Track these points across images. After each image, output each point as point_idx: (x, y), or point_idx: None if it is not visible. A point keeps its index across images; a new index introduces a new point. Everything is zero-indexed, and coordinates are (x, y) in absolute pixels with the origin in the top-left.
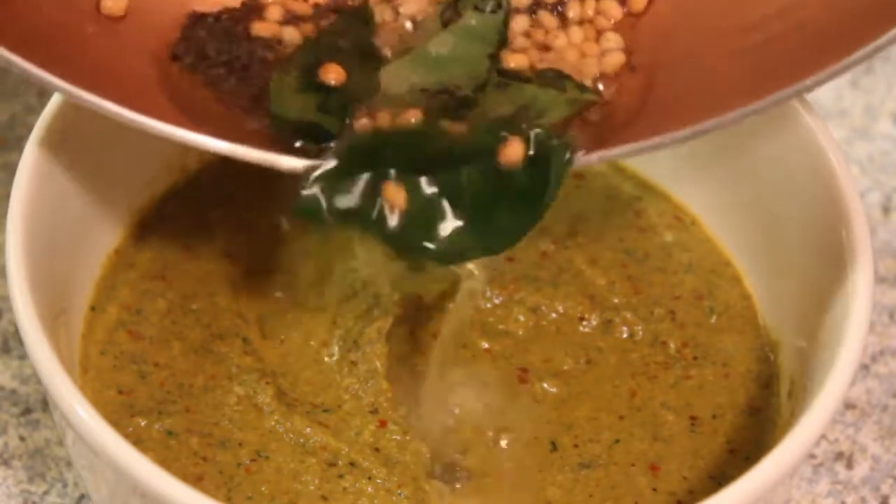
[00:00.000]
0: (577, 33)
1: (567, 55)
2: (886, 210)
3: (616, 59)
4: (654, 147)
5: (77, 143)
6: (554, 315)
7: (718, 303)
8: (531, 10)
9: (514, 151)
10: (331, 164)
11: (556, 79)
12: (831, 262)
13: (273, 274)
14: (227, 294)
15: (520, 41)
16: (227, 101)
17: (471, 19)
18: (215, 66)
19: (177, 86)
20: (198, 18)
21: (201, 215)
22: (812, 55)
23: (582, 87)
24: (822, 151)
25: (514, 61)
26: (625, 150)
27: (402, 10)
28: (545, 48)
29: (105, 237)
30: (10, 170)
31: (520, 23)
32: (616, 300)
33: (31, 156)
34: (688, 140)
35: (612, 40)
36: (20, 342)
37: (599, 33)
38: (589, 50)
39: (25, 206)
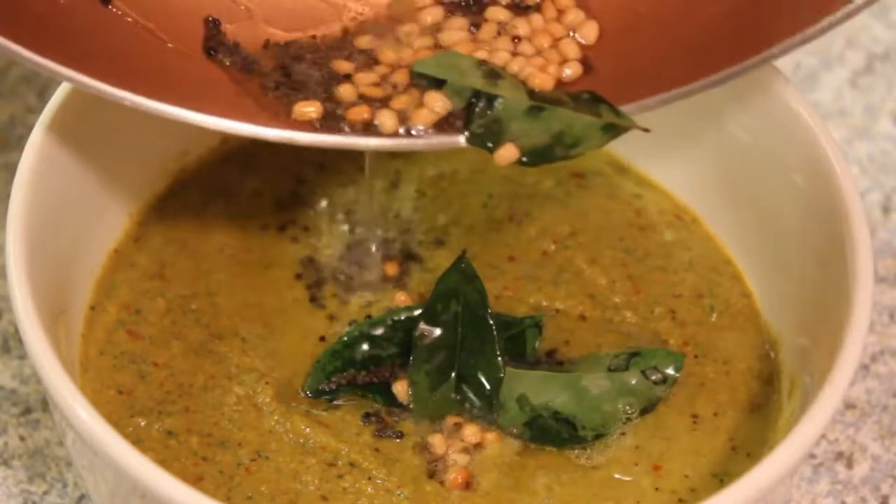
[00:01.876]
0: (535, 40)
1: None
2: (886, 210)
3: (575, 70)
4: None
5: (77, 144)
6: (555, 314)
7: (719, 301)
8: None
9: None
10: None
11: (592, 102)
12: (831, 262)
13: (273, 273)
14: (226, 294)
15: (493, 37)
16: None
17: (632, 378)
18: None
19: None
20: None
21: (201, 215)
22: (782, 21)
23: (616, 111)
24: (822, 151)
25: (538, 80)
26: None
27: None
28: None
29: (105, 237)
30: (10, 170)
31: (497, 15)
32: (617, 299)
33: (31, 156)
34: (663, 104)
35: (571, 49)
36: (20, 342)
37: (556, 41)
38: (550, 58)
39: (25, 206)
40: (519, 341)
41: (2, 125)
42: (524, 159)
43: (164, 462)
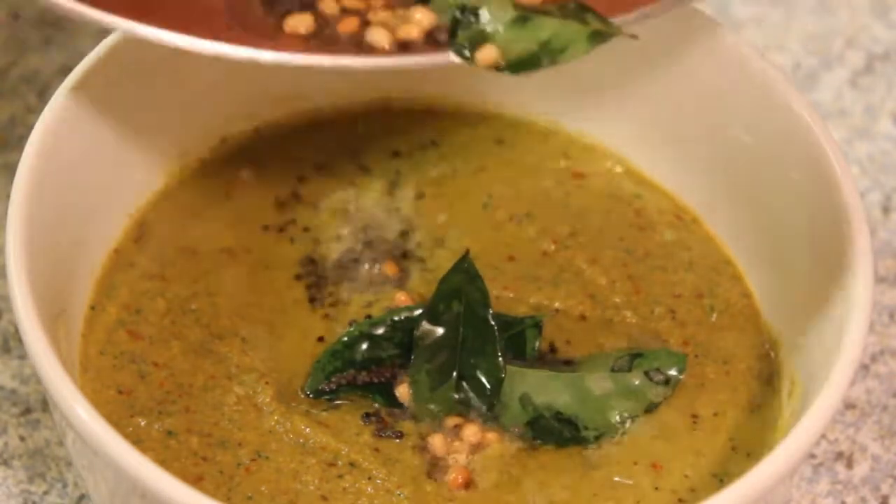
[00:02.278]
0: None
1: None
2: (886, 210)
3: None
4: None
5: (76, 144)
6: (555, 314)
7: (719, 301)
8: None
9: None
10: None
11: (578, 11)
12: (831, 262)
13: (273, 273)
14: (226, 294)
15: None
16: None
17: (635, 379)
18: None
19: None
20: None
21: (201, 215)
22: None
23: (603, 20)
24: (822, 151)
25: None
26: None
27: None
28: None
29: (105, 237)
30: (11, 170)
31: None
32: (617, 299)
33: (30, 156)
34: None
35: None
36: (20, 342)
37: None
38: None
39: (25, 206)
40: (519, 341)
41: (2, 125)
42: (508, 66)
43: (164, 462)
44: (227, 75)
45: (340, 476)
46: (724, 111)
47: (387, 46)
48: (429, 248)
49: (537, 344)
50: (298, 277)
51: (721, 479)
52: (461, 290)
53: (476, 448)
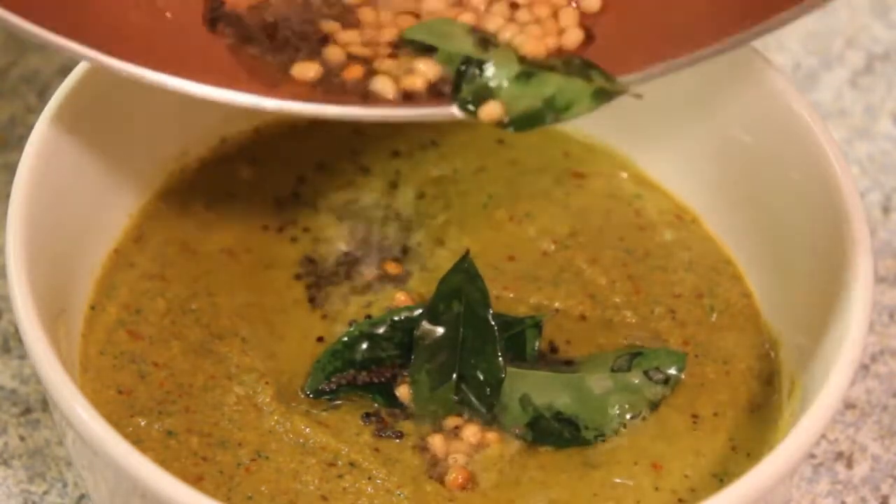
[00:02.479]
0: (533, 9)
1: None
2: (886, 210)
3: (575, 37)
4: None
5: (77, 144)
6: (555, 314)
7: (719, 301)
8: None
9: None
10: None
11: (583, 68)
12: (831, 262)
13: (273, 274)
14: (226, 294)
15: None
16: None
17: (634, 378)
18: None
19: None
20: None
21: (201, 215)
22: None
23: (607, 77)
24: (822, 151)
25: (530, 47)
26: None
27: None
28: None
29: (105, 237)
30: (10, 170)
31: None
32: (617, 299)
33: (31, 156)
34: (666, 73)
35: (570, 17)
36: (20, 342)
37: (556, 10)
38: (548, 28)
39: (25, 206)
40: (519, 341)
41: (2, 125)
42: (511, 122)
43: (164, 462)
44: None
45: (340, 476)
46: (724, 111)
47: (391, 97)
48: (429, 248)
49: (537, 344)
50: (298, 277)
51: (721, 479)
52: (461, 290)
53: (476, 448)
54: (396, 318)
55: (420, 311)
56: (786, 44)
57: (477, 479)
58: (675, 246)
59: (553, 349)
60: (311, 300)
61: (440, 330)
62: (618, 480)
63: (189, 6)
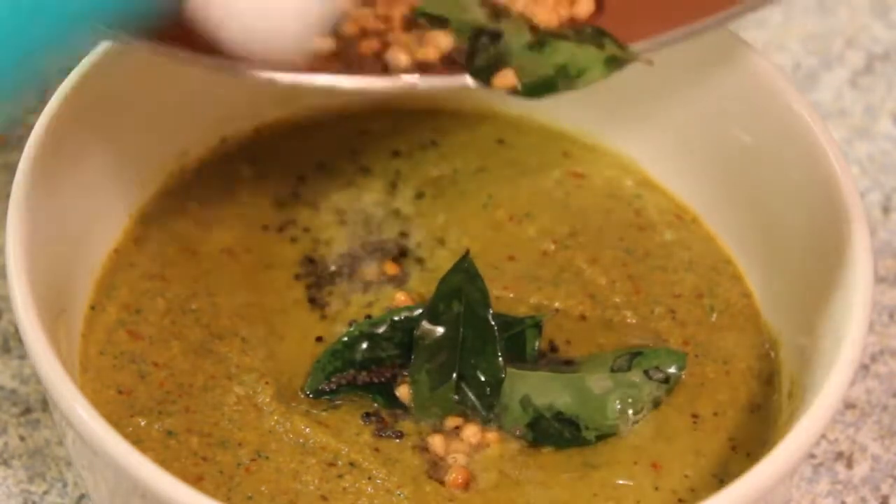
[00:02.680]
0: None
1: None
2: (886, 210)
3: (586, 6)
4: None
5: (76, 144)
6: (554, 314)
7: (719, 301)
8: None
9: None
10: None
11: (595, 36)
12: (831, 262)
13: (273, 274)
14: (226, 294)
15: None
16: None
17: (634, 378)
18: None
19: None
20: None
21: (201, 215)
22: None
23: (619, 45)
24: (822, 151)
25: (542, 16)
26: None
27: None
28: None
29: (105, 237)
30: (10, 170)
31: None
32: (617, 299)
33: (31, 155)
34: (676, 42)
35: None
36: (20, 342)
37: None
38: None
39: (25, 206)
40: (519, 341)
41: (2, 125)
42: (524, 89)
43: (164, 462)
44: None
45: (340, 476)
46: (724, 111)
47: (405, 67)
48: (429, 248)
49: (537, 344)
50: (298, 277)
51: (721, 479)
52: (461, 290)
53: (476, 448)
54: (396, 318)
55: (420, 311)
56: (786, 44)
57: (477, 479)
58: (675, 246)
59: (553, 349)
60: (311, 300)
61: (440, 330)
62: (618, 481)
63: None
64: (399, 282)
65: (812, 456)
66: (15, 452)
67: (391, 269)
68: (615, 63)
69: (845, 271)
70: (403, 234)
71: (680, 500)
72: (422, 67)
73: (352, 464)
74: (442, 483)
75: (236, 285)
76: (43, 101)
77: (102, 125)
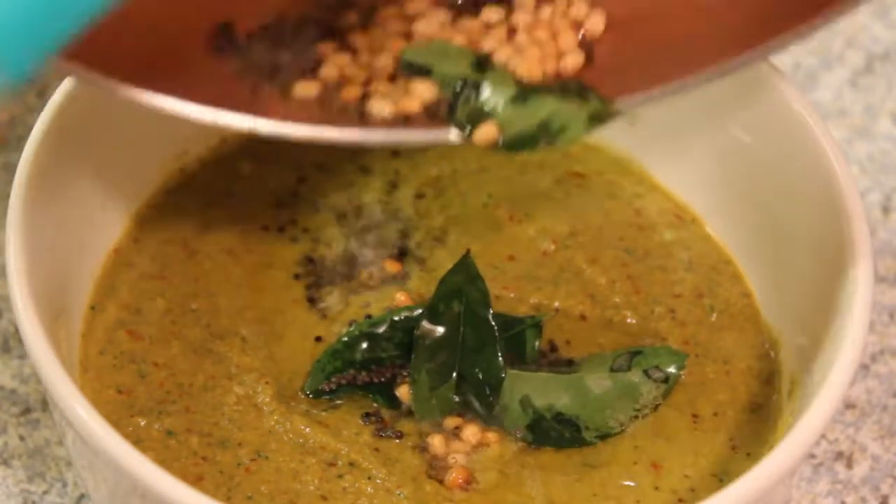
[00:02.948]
0: (533, 33)
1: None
2: (886, 210)
3: (574, 60)
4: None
5: (77, 144)
6: (554, 314)
7: (719, 301)
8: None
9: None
10: None
11: (579, 91)
12: (831, 262)
13: (272, 274)
14: (226, 294)
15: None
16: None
17: (634, 378)
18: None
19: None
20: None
21: (201, 214)
22: (783, 12)
23: (602, 100)
24: (822, 151)
25: (526, 68)
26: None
27: (415, 26)
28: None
29: (105, 236)
30: (10, 170)
31: (491, 15)
32: (617, 299)
33: (31, 156)
34: (663, 97)
35: (569, 40)
36: (20, 342)
37: (556, 33)
38: (547, 50)
39: (25, 206)
40: (519, 341)
41: (2, 125)
42: (505, 144)
43: (164, 462)
44: None
45: (340, 476)
46: (724, 111)
47: (387, 118)
48: (429, 248)
49: (537, 344)
50: (298, 277)
51: (721, 479)
52: (462, 290)
53: (476, 448)
54: (396, 318)
55: (420, 310)
56: None
57: (477, 479)
58: (675, 246)
59: (553, 349)
60: (311, 300)
61: (440, 330)
62: (618, 481)
63: (191, 29)
64: (399, 282)
65: (812, 456)
66: (15, 452)
67: (391, 269)
68: (597, 120)
69: (845, 271)
70: (403, 234)
71: (680, 500)
72: (404, 118)
73: (352, 464)
74: (442, 483)
75: (236, 285)
76: (43, 101)
77: (102, 125)
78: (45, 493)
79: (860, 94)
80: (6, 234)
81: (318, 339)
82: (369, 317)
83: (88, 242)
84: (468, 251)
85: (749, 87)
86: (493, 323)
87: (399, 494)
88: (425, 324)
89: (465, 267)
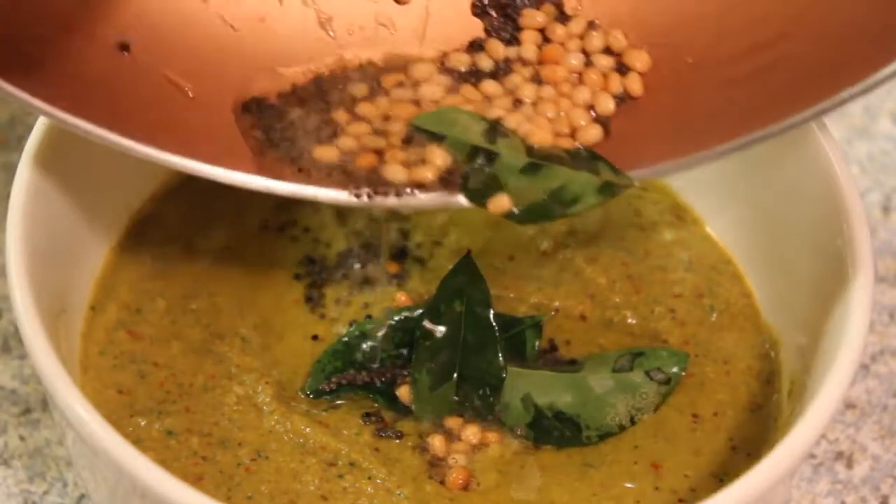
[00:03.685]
0: (553, 106)
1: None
2: (886, 210)
3: (594, 134)
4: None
5: (77, 144)
6: (554, 314)
7: (719, 301)
8: (505, 71)
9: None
10: None
11: (590, 160)
12: (831, 262)
13: (272, 274)
14: (226, 294)
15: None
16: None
17: (635, 378)
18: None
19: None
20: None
21: (201, 214)
22: (802, 88)
23: (614, 170)
24: (822, 151)
25: (538, 136)
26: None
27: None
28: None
29: (105, 236)
30: (10, 170)
31: (522, 74)
32: (617, 299)
33: (31, 156)
34: (680, 170)
35: (581, 115)
36: (20, 342)
37: (565, 111)
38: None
39: (25, 206)
40: (519, 341)
41: (2, 125)
42: (519, 215)
43: (164, 462)
44: None
45: (340, 476)
46: None
47: (402, 183)
48: (429, 248)
49: (537, 344)
50: (298, 277)
51: (721, 479)
52: (463, 290)
53: (476, 448)
54: (396, 318)
55: (420, 311)
56: None
57: (477, 479)
58: (675, 246)
59: (553, 349)
60: (311, 300)
61: (441, 329)
62: (618, 481)
63: (220, 95)
64: (399, 282)
65: (812, 456)
66: (15, 452)
67: (391, 269)
68: (609, 190)
69: (845, 271)
70: (403, 234)
71: (680, 500)
72: (418, 185)
73: (352, 464)
74: (442, 483)
75: (236, 285)
76: None
77: None
78: (45, 493)
79: None
80: (6, 234)
81: (319, 339)
82: (369, 317)
83: (88, 242)
84: (469, 252)
85: None
86: (494, 323)
87: (399, 494)
88: (426, 324)
89: (467, 267)
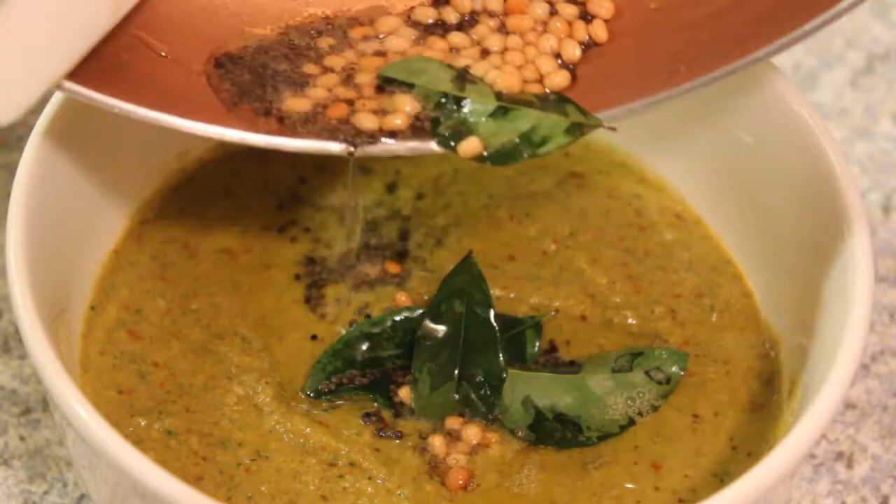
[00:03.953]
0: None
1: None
2: (886, 210)
3: (561, 79)
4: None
5: (77, 143)
6: (555, 314)
7: (719, 301)
8: (470, 23)
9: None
10: None
11: (558, 102)
12: (831, 262)
13: (272, 274)
14: (226, 294)
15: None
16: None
17: (636, 377)
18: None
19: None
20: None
21: (201, 215)
22: (762, 26)
23: (583, 112)
24: (822, 151)
25: (505, 82)
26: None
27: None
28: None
29: (105, 237)
30: (10, 170)
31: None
32: (617, 299)
33: (31, 156)
34: (645, 108)
35: (548, 63)
36: (20, 342)
37: (531, 60)
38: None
39: (25, 206)
40: (519, 341)
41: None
42: (490, 157)
43: (164, 462)
44: None
45: (340, 476)
46: (724, 111)
47: (373, 132)
48: (429, 248)
49: (537, 344)
50: (298, 277)
51: (721, 479)
52: (464, 290)
53: (476, 448)
54: (396, 318)
55: (420, 311)
56: None
57: (477, 479)
58: (675, 246)
59: (553, 349)
60: (311, 300)
61: (442, 329)
62: (618, 481)
63: (193, 54)
64: (399, 282)
65: (812, 456)
66: (15, 452)
67: (391, 269)
68: (578, 130)
69: (845, 271)
70: (403, 234)
71: (680, 500)
72: (389, 133)
73: (352, 464)
74: (442, 483)
75: (236, 285)
76: (43, 101)
77: (102, 125)
78: (45, 493)
79: (860, 94)
80: (6, 234)
81: (319, 339)
82: (369, 317)
83: (88, 242)
84: (470, 252)
85: (749, 88)
86: (495, 323)
87: (399, 495)
88: (427, 324)
89: (468, 268)
